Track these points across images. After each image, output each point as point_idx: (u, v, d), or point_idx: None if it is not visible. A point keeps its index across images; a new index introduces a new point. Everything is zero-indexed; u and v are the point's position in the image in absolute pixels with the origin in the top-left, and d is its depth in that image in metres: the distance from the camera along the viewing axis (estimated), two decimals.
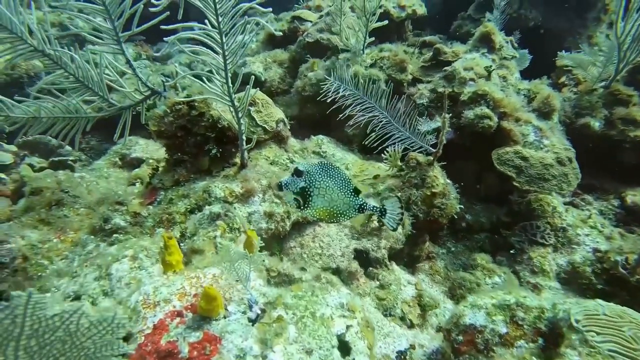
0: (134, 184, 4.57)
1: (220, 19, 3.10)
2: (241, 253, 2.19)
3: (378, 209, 2.34)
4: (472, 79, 4.76)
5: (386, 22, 5.24)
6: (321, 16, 6.19)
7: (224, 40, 3.19)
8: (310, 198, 2.29)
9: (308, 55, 5.67)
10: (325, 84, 4.25)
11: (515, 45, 5.66)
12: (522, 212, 4.58)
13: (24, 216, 3.75)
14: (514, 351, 2.42)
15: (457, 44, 5.83)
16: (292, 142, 4.65)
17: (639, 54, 5.17)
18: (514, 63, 5.25)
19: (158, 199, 3.69)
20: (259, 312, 2.13)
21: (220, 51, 3.25)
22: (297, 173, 2.36)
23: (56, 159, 6.42)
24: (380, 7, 4.95)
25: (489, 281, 3.99)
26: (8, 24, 3.25)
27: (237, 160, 3.81)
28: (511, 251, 4.35)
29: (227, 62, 3.28)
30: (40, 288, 3.14)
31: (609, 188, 5.25)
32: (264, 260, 2.57)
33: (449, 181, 4.08)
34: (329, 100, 4.22)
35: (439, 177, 3.95)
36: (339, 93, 4.13)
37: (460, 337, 2.62)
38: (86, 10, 3.45)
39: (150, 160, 4.88)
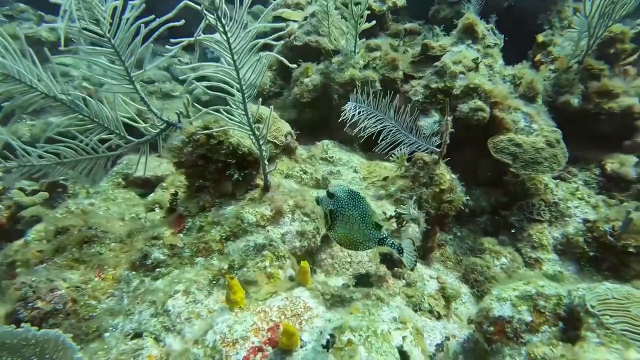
0: (153, 210, 4.69)
1: (235, 57, 3.24)
2: None
3: (396, 247, 2.57)
4: (461, 72, 5.04)
5: (374, 22, 5.40)
6: (306, 17, 6.24)
7: (241, 76, 3.33)
8: (335, 222, 2.54)
9: (300, 60, 5.76)
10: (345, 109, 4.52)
11: (496, 32, 5.93)
12: (517, 192, 5.00)
13: (56, 257, 3.86)
14: (541, 336, 2.82)
15: (437, 29, 6.06)
16: (300, 151, 4.85)
17: (606, 29, 5.57)
18: (497, 50, 5.54)
19: (187, 226, 3.86)
20: (329, 337, 2.43)
21: (237, 85, 3.39)
22: (329, 195, 2.59)
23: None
24: (368, 9, 5.09)
25: (497, 263, 4.42)
26: (15, 73, 3.29)
27: (259, 181, 4.00)
28: (512, 230, 4.79)
29: (245, 94, 3.44)
30: (97, 328, 3.34)
31: (590, 157, 5.73)
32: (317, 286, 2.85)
33: (454, 176, 4.41)
34: (347, 123, 4.46)
35: (445, 174, 4.27)
36: (354, 111, 4.38)
37: (492, 328, 3.01)
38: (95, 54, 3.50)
39: (164, 184, 4.98)
